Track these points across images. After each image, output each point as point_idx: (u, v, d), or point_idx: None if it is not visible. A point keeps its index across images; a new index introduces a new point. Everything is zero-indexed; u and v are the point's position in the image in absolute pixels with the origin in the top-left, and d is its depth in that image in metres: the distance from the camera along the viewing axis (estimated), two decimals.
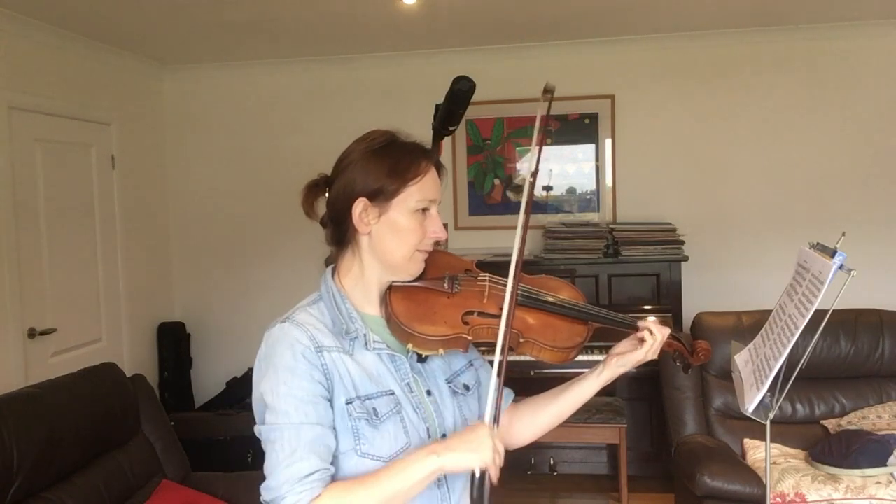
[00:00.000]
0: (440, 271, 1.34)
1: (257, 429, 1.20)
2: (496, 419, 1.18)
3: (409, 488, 1.14)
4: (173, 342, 4.78)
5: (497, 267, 1.42)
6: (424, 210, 1.28)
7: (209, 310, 4.95)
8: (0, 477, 2.17)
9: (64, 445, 2.41)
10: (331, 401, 1.20)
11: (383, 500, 1.13)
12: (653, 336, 1.37)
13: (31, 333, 3.62)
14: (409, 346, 1.26)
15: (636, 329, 1.39)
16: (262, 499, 1.15)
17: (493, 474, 1.14)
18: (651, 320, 1.39)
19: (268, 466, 1.15)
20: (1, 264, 3.44)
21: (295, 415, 1.16)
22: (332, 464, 1.18)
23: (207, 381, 4.90)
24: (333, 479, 1.18)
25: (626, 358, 1.39)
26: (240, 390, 4.66)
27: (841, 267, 1.54)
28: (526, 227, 1.29)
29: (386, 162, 1.25)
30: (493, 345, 1.26)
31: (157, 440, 2.91)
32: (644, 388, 4.03)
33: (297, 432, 1.15)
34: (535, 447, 4.10)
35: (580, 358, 1.46)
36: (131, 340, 4.47)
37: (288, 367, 1.18)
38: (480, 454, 1.13)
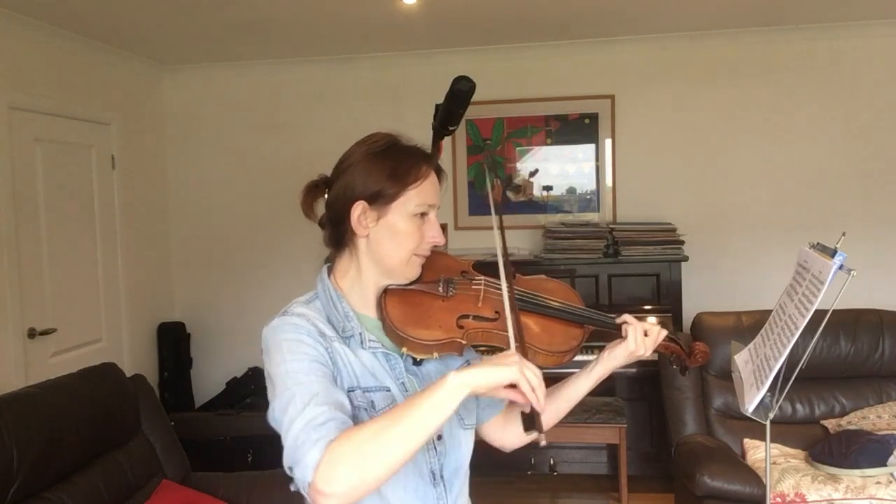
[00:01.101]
0: (436, 273, 1.34)
1: (270, 412, 1.15)
2: (518, 340, 1.14)
3: (431, 419, 1.04)
4: (173, 342, 4.77)
5: (496, 267, 1.41)
6: (423, 214, 1.27)
7: (209, 310, 4.95)
8: (0, 477, 2.17)
9: (64, 445, 2.41)
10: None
11: (403, 432, 1.04)
12: (632, 326, 1.36)
13: (31, 333, 3.62)
14: (404, 349, 1.25)
15: (615, 327, 1.38)
16: (285, 467, 1.09)
17: (535, 393, 1.06)
18: (642, 320, 1.39)
19: (284, 432, 1.10)
20: (1, 264, 3.44)
21: (304, 376, 1.13)
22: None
23: (207, 381, 4.90)
24: None
25: (615, 351, 1.38)
26: (240, 390, 4.66)
27: (841, 267, 1.54)
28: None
29: (386, 165, 1.25)
30: (489, 348, 1.26)
31: (157, 440, 2.90)
32: (644, 388, 4.03)
33: (306, 389, 1.12)
34: (535, 447, 4.10)
35: (578, 358, 1.46)
36: (131, 340, 4.47)
37: (292, 341, 1.18)
38: (510, 368, 1.06)
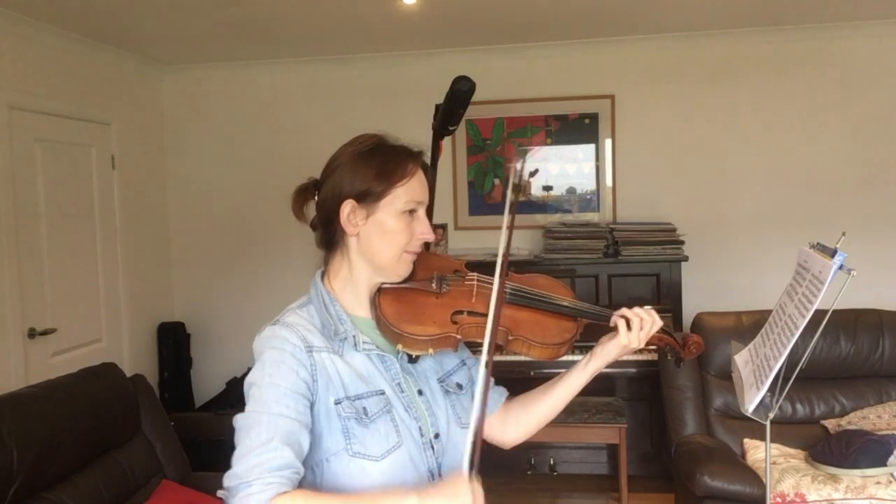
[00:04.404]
0: (429, 272, 1.36)
1: (235, 417, 1.19)
2: (473, 466, 1.15)
3: None
4: (173, 342, 4.78)
5: (492, 267, 1.42)
6: (412, 212, 1.29)
7: (209, 310, 4.95)
8: (0, 477, 2.17)
9: (64, 445, 2.41)
10: (314, 404, 1.21)
11: None
12: (622, 321, 1.35)
13: (31, 333, 3.62)
14: (399, 346, 1.27)
15: (607, 321, 1.38)
16: (223, 486, 1.13)
17: None
18: (635, 310, 1.37)
19: (237, 454, 1.14)
20: (1, 264, 3.44)
21: (275, 406, 1.16)
22: (310, 467, 1.19)
23: (207, 381, 4.90)
24: (315, 483, 1.20)
25: (608, 346, 1.38)
26: (240, 390, 4.63)
27: (841, 267, 1.54)
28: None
29: (373, 164, 1.27)
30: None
31: (157, 440, 2.90)
32: (644, 388, 4.02)
33: (275, 422, 1.15)
34: (535, 447, 4.11)
35: (573, 357, 1.46)
36: (131, 340, 4.47)
37: (275, 361, 1.20)
38: (458, 502, 1.11)
